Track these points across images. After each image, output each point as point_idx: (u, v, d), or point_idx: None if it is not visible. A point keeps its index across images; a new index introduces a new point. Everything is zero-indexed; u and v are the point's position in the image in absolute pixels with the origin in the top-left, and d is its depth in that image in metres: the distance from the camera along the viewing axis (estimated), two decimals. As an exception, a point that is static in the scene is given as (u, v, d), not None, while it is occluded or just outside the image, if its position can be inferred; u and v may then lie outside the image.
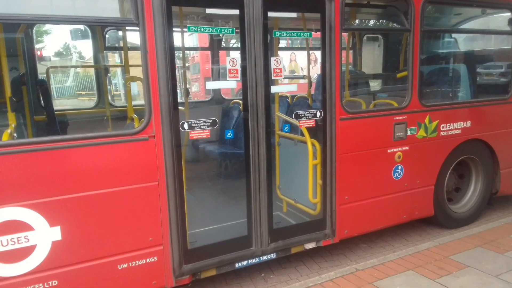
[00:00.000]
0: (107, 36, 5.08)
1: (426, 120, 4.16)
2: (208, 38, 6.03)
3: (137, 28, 2.81)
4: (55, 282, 2.64)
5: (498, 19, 5.15)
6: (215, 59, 5.96)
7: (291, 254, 3.64)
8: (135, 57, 4.14)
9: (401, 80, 4.78)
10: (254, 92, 3.26)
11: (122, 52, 4.35)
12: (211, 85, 5.48)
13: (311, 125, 3.61)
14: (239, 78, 3.26)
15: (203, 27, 3.27)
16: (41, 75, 4.86)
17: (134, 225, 2.88)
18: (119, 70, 9.59)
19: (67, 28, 5.62)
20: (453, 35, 5.67)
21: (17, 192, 2.50)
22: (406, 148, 4.08)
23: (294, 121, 3.62)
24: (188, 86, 5.29)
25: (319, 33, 3.57)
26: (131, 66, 3.90)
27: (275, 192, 4.10)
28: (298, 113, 3.57)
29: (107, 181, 2.77)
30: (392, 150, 4.00)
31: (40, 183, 2.56)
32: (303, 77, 7.16)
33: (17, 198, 2.51)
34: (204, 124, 3.09)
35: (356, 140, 3.78)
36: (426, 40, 4.55)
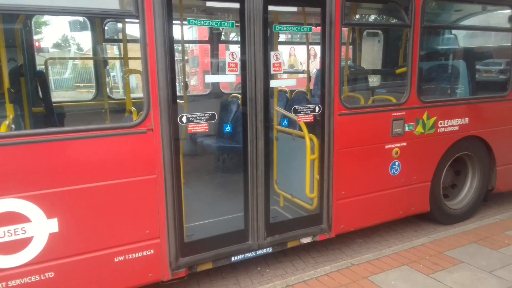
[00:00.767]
0: (106, 28, 5.05)
1: (424, 117, 4.17)
2: (208, 32, 6.01)
3: (137, 20, 2.80)
4: (51, 274, 2.65)
5: (498, 16, 5.14)
6: (214, 53, 5.94)
7: (287, 248, 3.66)
8: (134, 50, 4.13)
9: (400, 76, 4.78)
10: (253, 86, 3.26)
11: (121, 44, 4.33)
12: (210, 79, 5.48)
13: (309, 120, 3.61)
14: (238, 72, 3.26)
15: (203, 20, 3.25)
16: (40, 67, 4.84)
17: (131, 218, 2.89)
18: (118, 62, 9.57)
19: (66, 19, 5.59)
20: (453, 31, 5.67)
21: (14, 184, 2.51)
22: (404, 144, 4.09)
23: (292, 116, 3.62)
24: (187, 80, 5.27)
25: (319, 27, 3.56)
26: (130, 58, 3.89)
27: (272, 186, 4.12)
28: (297, 108, 3.57)
29: (105, 174, 2.77)
30: (389, 146, 4.01)
31: (38, 175, 2.56)
32: (302, 72, 7.15)
33: (14, 190, 2.51)
34: (202, 118, 3.09)
35: (354, 136, 3.79)
36: (426, 36, 4.55)
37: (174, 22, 3.01)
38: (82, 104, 5.26)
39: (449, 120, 4.36)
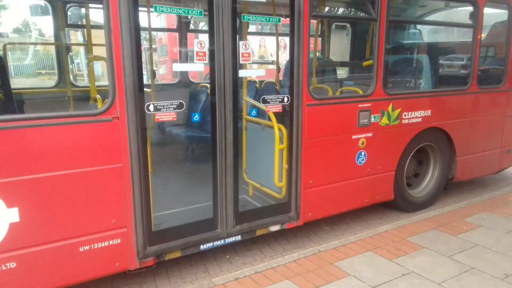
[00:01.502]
0: (69, 13, 4.86)
1: (389, 108, 4.29)
2: (176, 20, 5.90)
3: (101, 6, 2.71)
4: (13, 264, 2.56)
5: (461, 12, 5.34)
6: (183, 42, 5.85)
7: (256, 236, 3.70)
8: (98, 36, 4.00)
9: (367, 69, 4.88)
10: (222, 76, 3.25)
11: (85, 30, 4.19)
12: (178, 67, 5.39)
13: (278, 110, 3.64)
14: (207, 61, 3.23)
15: (170, 8, 3.19)
16: (-2, 52, 4.60)
17: (96, 207, 2.82)
18: (82, 49, 9.24)
19: (27, 3, 5.33)
20: (418, 26, 5.84)
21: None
22: (370, 134, 4.20)
23: (261, 106, 3.64)
24: (155, 68, 5.18)
25: (288, 19, 3.58)
26: (95, 45, 3.77)
27: (242, 175, 4.14)
28: (266, 98, 3.59)
29: (69, 163, 2.69)
30: (356, 136, 4.11)
31: (-4, 163, 2.46)
32: (271, 63, 7.17)
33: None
34: (170, 106, 3.05)
35: (322, 126, 3.86)
36: (391, 30, 4.66)
37: (140, 8, 2.94)
38: (44, 91, 5.05)
39: (413, 112, 4.50)
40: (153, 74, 4.20)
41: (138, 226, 3.01)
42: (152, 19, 3.95)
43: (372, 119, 4.18)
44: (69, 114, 2.88)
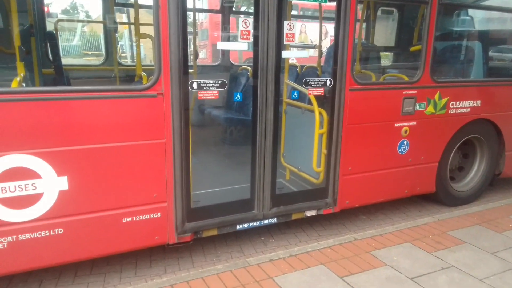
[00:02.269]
0: (117, -7, 4.97)
1: (436, 96, 4.11)
2: (220, 2, 5.90)
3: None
4: (60, 230, 2.69)
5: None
6: (224, 26, 5.85)
7: (291, 220, 3.69)
8: (145, 16, 4.07)
9: (412, 56, 4.70)
10: (265, 56, 3.22)
11: (133, 9, 4.27)
12: (222, 45, 5.39)
13: (320, 94, 3.58)
14: (250, 40, 3.21)
15: None
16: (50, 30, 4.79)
17: (139, 180, 2.91)
18: (126, 32, 9.45)
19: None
20: (470, 12, 5.53)
21: (25, 140, 2.51)
22: (414, 123, 4.06)
23: (303, 88, 3.59)
24: (197, 49, 5.22)
25: (333, 3, 3.48)
26: (141, 24, 3.84)
27: (279, 160, 4.12)
28: (308, 80, 3.52)
29: (114, 136, 2.78)
30: (399, 124, 3.98)
31: (48, 132, 2.57)
32: (313, 47, 7.04)
33: (25, 146, 2.52)
34: (213, 85, 3.06)
35: (364, 112, 3.76)
36: (442, 14, 4.44)
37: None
38: (92, 69, 5.23)
39: (461, 102, 4.30)
40: (196, 54, 4.24)
41: (177, 201, 3.07)
42: (196, 2, 3.96)
43: (417, 107, 4.03)
44: (116, 88, 2.97)
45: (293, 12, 4.41)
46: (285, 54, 3.46)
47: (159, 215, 3.01)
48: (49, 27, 4.84)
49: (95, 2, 5.11)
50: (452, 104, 4.24)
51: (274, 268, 3.05)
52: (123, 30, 9.56)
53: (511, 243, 3.55)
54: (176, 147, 2.98)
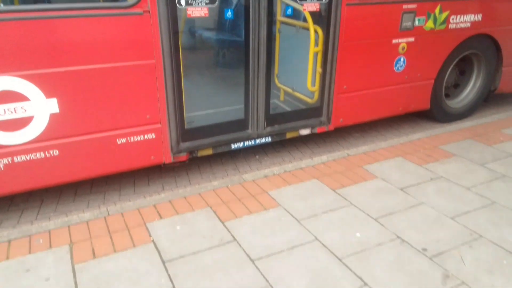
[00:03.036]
0: None
1: (437, 10, 3.94)
2: None
3: None
4: (56, 152, 2.73)
5: None
6: None
7: (285, 139, 3.74)
8: None
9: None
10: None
11: None
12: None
13: (315, 10, 3.42)
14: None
15: None
16: None
17: (131, 102, 2.88)
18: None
19: None
20: None
21: (9, 62, 2.44)
22: (412, 39, 3.93)
23: (297, 4, 3.42)
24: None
25: None
26: None
27: (273, 81, 4.06)
28: (302, -6, 3.34)
29: (102, 56, 2.69)
30: (397, 40, 3.86)
31: (32, 54, 2.48)
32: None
33: (10, 68, 2.45)
34: (202, 1, 2.91)
35: (361, 28, 3.62)
36: None
37: None
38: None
39: (462, 16, 4.13)
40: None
41: (171, 122, 3.08)
42: None
43: (416, 22, 3.88)
44: (98, 6, 2.80)
45: None
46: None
47: (154, 136, 3.04)
48: None
49: None
50: (453, 19, 4.08)
51: (269, 183, 3.15)
52: None
53: (500, 155, 3.64)
54: (166, 67, 2.91)
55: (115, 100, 2.83)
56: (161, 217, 2.71)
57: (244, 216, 2.72)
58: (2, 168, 2.62)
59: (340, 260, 2.30)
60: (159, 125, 3.05)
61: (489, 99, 4.97)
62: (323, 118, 3.78)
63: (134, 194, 3.22)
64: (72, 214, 2.89)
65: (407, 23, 3.85)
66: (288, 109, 3.91)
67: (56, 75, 2.59)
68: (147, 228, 2.59)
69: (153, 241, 2.46)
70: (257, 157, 3.84)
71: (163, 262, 2.28)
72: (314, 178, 3.23)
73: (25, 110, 2.57)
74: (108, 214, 2.75)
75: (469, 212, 2.77)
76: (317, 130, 3.81)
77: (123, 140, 2.94)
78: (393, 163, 3.48)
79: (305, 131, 3.77)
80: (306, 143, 4.12)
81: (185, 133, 3.19)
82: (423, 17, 3.90)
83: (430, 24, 3.96)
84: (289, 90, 4.04)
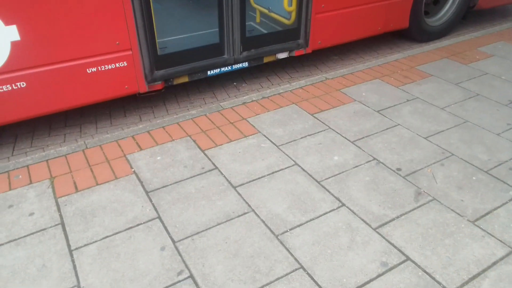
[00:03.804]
0: None
1: None
2: None
3: None
4: (23, 84, 2.58)
5: None
6: None
7: (263, 64, 3.64)
8: None
9: None
10: None
11: None
12: None
13: None
14: None
15: None
16: None
17: (97, 27, 2.69)
18: None
19: None
20: None
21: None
22: (392, -49, 3.72)
23: None
24: None
25: None
26: None
27: (248, 1, 3.84)
28: None
29: (59, -23, 2.45)
30: (376, -46, 3.64)
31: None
32: None
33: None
34: None
35: None
36: None
37: None
38: None
39: None
40: None
41: (143, 49, 2.93)
42: None
43: None
44: None
45: None
46: None
47: (125, 64, 2.90)
48: None
49: None
50: None
51: (248, 110, 3.13)
52: None
53: (475, 73, 3.69)
54: (132, -12, 2.68)
55: (80, 26, 2.63)
56: (140, 148, 2.69)
57: (224, 144, 2.73)
58: (-34, 104, 2.49)
59: (319, 183, 2.38)
60: (130, 52, 2.89)
61: (467, 16, 4.90)
62: (301, 40, 3.67)
63: (111, 126, 3.16)
64: (49, 149, 2.83)
65: None
66: (264, 31, 3.75)
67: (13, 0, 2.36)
68: (127, 160, 2.58)
69: (134, 172, 2.48)
70: (234, 83, 3.77)
71: (146, 192, 2.31)
72: (293, 103, 3.22)
73: (-18, 39, 2.38)
74: (86, 147, 2.71)
75: (442, 132, 2.86)
76: (295, 53, 3.71)
77: (93, 69, 2.80)
78: (371, 85, 3.48)
79: (282, 55, 3.68)
80: (284, 68, 4.04)
81: (158, 60, 3.06)
82: None
83: None
84: (265, 11, 3.85)
